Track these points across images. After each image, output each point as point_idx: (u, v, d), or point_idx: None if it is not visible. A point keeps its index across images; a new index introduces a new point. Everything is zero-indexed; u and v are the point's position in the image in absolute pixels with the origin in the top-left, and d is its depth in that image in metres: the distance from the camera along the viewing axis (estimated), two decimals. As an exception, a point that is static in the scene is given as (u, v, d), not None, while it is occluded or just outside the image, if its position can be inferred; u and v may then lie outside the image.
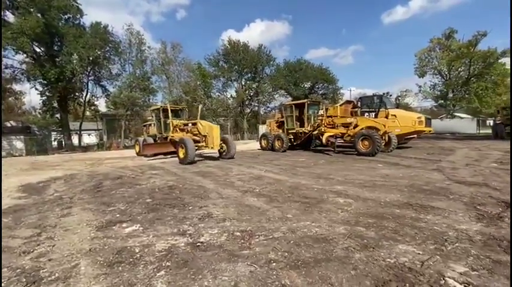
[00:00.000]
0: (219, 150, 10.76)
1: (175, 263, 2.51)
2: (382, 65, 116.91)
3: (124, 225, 3.60)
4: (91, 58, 21.59)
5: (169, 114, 11.88)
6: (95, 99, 26.48)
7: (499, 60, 30.00)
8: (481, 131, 30.42)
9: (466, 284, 1.99)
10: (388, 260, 2.38)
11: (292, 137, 13.81)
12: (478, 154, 10.25)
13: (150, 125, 15.54)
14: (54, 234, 3.37)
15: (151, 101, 27.79)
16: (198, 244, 2.92)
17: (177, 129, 11.73)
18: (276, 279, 2.15)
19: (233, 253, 2.67)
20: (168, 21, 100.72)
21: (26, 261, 2.70)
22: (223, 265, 2.44)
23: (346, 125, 11.84)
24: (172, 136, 11.50)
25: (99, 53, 22.89)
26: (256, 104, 34.20)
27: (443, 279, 2.06)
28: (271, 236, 3.02)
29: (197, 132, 10.71)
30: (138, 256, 2.68)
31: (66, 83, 21.14)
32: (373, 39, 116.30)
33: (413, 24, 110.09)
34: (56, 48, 22.48)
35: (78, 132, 26.02)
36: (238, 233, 3.16)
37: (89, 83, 25.32)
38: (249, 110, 34.12)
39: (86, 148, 24.65)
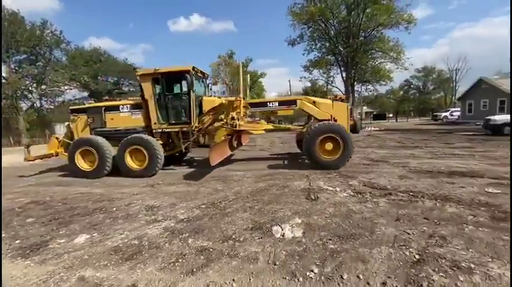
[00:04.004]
0: None
1: (194, 230, 2.96)
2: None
3: (62, 241, 2.89)
4: None
5: (241, 86, 6.61)
6: None
7: (259, 79, 44.83)
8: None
9: (332, 187, 4.47)
10: (299, 187, 4.45)
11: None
12: (275, 139, 15.89)
13: (114, 108, 7.03)
14: None
15: None
16: (187, 219, 3.35)
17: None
18: (271, 209, 3.47)
19: (224, 212, 3.52)
20: None
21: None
22: (234, 216, 3.29)
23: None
24: (240, 125, 6.33)
25: None
26: (38, 97, 25.03)
27: (325, 188, 4.44)
28: (230, 200, 4.07)
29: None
30: (150, 242, 2.73)
31: None
32: (162, 42, 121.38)
33: (197, 37, 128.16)
34: None
35: None
36: (203, 206, 3.85)
37: None
38: (26, 105, 24.14)
39: None
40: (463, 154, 7.49)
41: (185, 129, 6.74)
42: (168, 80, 6.67)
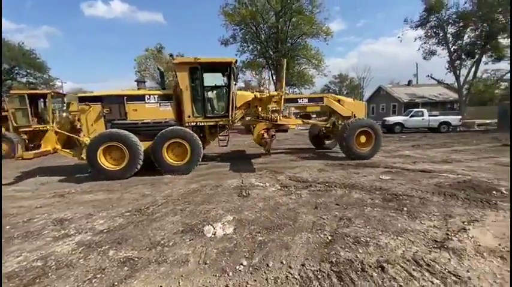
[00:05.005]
0: None
1: (116, 241, 2.69)
2: (90, 58, 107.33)
3: None
4: None
5: (283, 81, 7.28)
6: None
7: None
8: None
9: (262, 183, 4.72)
10: (232, 185, 4.55)
11: (27, 137, 10.60)
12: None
13: (139, 98, 6.09)
14: None
15: None
16: (107, 230, 3.01)
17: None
18: (204, 209, 3.44)
19: (152, 217, 3.30)
20: None
21: None
22: (163, 221, 3.11)
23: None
24: (280, 120, 6.99)
25: None
26: None
27: (256, 184, 4.66)
28: (159, 204, 3.86)
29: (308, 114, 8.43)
30: (58, 261, 2.35)
31: None
32: (73, 26, 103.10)
33: (118, 25, 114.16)
34: None
35: None
36: (127, 214, 3.53)
37: None
38: None
39: None
40: (367, 149, 9.04)
41: (221, 123, 6.49)
42: (207, 71, 6.30)
